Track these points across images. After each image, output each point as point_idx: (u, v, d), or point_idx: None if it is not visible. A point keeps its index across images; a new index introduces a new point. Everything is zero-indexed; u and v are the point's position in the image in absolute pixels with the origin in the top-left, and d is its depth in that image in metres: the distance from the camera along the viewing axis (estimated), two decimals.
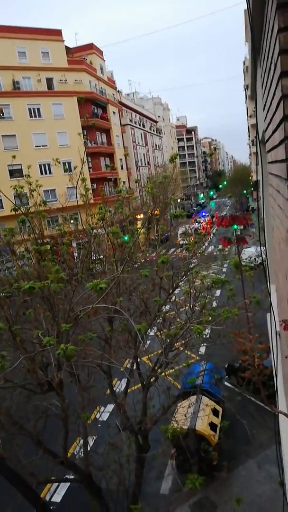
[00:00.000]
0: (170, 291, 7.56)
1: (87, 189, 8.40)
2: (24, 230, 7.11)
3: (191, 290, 7.28)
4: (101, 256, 8.45)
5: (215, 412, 11.13)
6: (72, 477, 7.44)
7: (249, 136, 53.39)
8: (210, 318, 6.41)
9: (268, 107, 3.12)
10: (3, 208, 31.31)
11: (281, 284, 3.25)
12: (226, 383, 13.92)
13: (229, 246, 2.27)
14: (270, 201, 3.70)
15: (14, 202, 6.51)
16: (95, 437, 9.89)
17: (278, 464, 4.06)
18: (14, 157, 17.36)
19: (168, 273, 6.95)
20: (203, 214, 51.78)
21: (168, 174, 10.49)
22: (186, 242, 8.14)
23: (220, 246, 9.88)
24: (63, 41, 40.13)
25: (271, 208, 3.74)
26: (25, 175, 8.69)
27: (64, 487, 10.52)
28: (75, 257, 8.74)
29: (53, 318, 5.92)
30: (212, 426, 10.52)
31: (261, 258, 16.74)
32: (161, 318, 7.50)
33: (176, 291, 7.86)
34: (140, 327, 4.33)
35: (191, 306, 7.21)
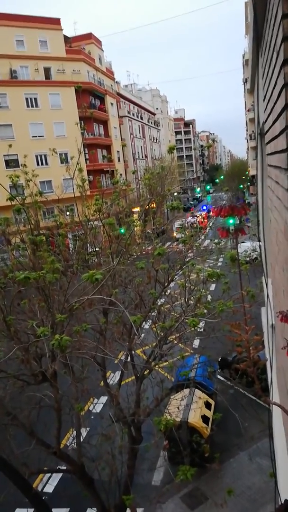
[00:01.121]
0: (166, 284, 7.55)
1: (83, 180, 8.33)
2: (19, 220, 7.04)
3: (186, 284, 7.28)
4: (97, 249, 8.42)
5: (207, 405, 11.21)
6: (65, 468, 7.46)
7: (247, 131, 53.24)
8: (205, 311, 6.41)
9: (269, 98, 3.08)
10: None
11: (277, 276, 3.24)
12: (219, 376, 14.00)
13: (226, 236, 2.25)
14: (268, 193, 3.68)
15: (9, 192, 6.43)
16: (88, 429, 9.93)
17: (270, 457, 4.08)
18: (10, 146, 17.17)
19: (164, 265, 6.93)
20: (204, 207, 51.66)
21: (165, 165, 10.44)
22: (183, 235, 8.12)
23: (216, 240, 9.88)
24: (62, 30, 39.62)
25: (269, 200, 3.71)
26: (21, 165, 8.61)
27: (56, 478, 10.58)
28: (70, 249, 8.69)
29: (48, 309, 5.89)
30: (205, 419, 10.59)
31: (256, 252, 16.80)
32: (156, 311, 7.50)
33: (172, 285, 7.86)
34: (135, 318, 4.31)
35: (186, 299, 7.21)
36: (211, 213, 48.60)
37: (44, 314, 6.08)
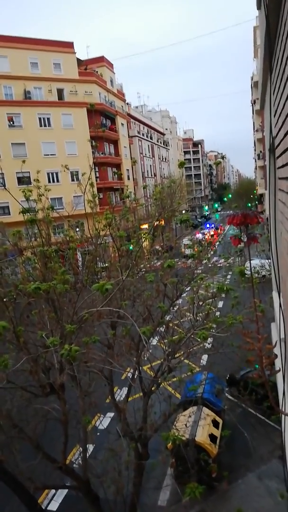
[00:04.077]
0: (174, 299, 7.56)
1: (94, 196, 8.46)
2: (31, 232, 7.16)
3: (195, 300, 7.27)
4: (106, 264, 8.48)
5: (215, 424, 11.01)
6: (70, 484, 7.35)
7: (255, 150, 53.72)
8: (214, 325, 6.39)
9: (280, 112, 3.16)
10: (10, 215, 31.52)
11: None
12: (227, 394, 13.78)
13: (239, 244, 2.28)
14: (279, 206, 3.72)
15: (22, 206, 6.56)
16: (94, 445, 9.80)
17: (284, 476, 4.00)
18: (24, 162, 17.51)
19: (173, 279, 6.95)
20: (208, 226, 51.97)
21: (175, 179, 10.60)
22: (191, 250, 8.16)
23: (224, 256, 9.88)
24: (75, 53, 40.83)
25: (279, 214, 3.76)
26: (33, 180, 8.78)
27: (61, 495, 10.39)
28: (79, 266, 8.77)
29: (57, 320, 5.92)
30: (212, 437, 10.40)
31: (265, 269, 16.73)
32: (164, 326, 7.48)
33: (180, 301, 7.86)
34: (145, 330, 4.32)
35: (195, 314, 7.20)
36: (219, 230, 48.67)
37: (53, 325, 6.11)
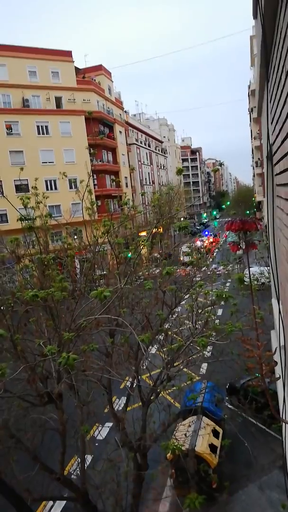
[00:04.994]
0: (173, 307, 7.51)
1: (92, 203, 8.45)
2: (29, 239, 7.13)
3: (194, 307, 7.22)
4: (104, 272, 8.43)
5: (215, 433, 10.88)
6: (68, 496, 7.23)
7: (253, 158, 54.03)
8: (214, 333, 6.34)
9: (277, 119, 3.16)
10: (8, 222, 31.54)
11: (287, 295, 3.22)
12: (227, 403, 13.65)
13: (237, 250, 2.25)
14: (277, 213, 3.71)
15: (20, 213, 6.54)
16: (92, 456, 9.67)
17: (285, 486, 3.93)
18: (22, 169, 17.57)
19: (172, 287, 6.91)
20: (206, 233, 52.11)
21: (173, 186, 10.59)
22: (190, 257, 8.14)
23: (223, 262, 9.84)
24: (73, 61, 41.18)
25: (278, 220, 3.74)
26: (31, 187, 8.78)
27: (59, 506, 10.22)
28: (77, 274, 8.73)
29: (55, 328, 5.86)
30: (212, 447, 10.27)
31: (264, 276, 16.70)
32: (163, 334, 7.42)
33: (179, 308, 7.80)
34: (144, 337, 4.27)
35: (194, 321, 7.14)
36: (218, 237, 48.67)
37: (51, 334, 6.05)
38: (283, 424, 4.05)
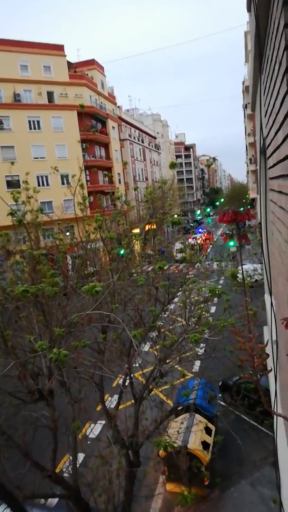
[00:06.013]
0: (166, 303, 7.46)
1: (84, 198, 8.34)
2: (20, 235, 7.03)
3: (187, 302, 7.18)
4: (96, 269, 8.35)
5: (207, 430, 10.90)
6: (60, 493, 7.17)
7: (247, 155, 54.12)
8: (206, 330, 6.30)
9: (270, 111, 3.12)
10: None
11: (280, 289, 3.18)
12: (219, 400, 13.68)
13: (230, 243, 2.23)
14: (271, 206, 3.67)
15: (10, 208, 6.43)
16: (84, 454, 9.63)
17: (277, 482, 3.91)
18: (12, 163, 17.37)
19: (164, 282, 6.86)
20: (199, 230, 52.17)
21: (166, 180, 10.49)
22: (183, 254, 8.09)
23: (217, 258, 9.82)
24: (65, 56, 40.77)
25: (271, 214, 3.70)
26: (22, 181, 8.65)
27: (50, 505, 10.17)
28: (69, 270, 8.63)
29: (46, 324, 5.79)
30: (204, 444, 10.28)
31: (257, 273, 16.74)
32: (155, 331, 7.38)
33: (171, 306, 7.75)
34: (136, 333, 4.22)
35: (187, 318, 7.11)
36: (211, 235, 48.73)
37: (42, 330, 5.97)
38: (275, 417, 4.03)
